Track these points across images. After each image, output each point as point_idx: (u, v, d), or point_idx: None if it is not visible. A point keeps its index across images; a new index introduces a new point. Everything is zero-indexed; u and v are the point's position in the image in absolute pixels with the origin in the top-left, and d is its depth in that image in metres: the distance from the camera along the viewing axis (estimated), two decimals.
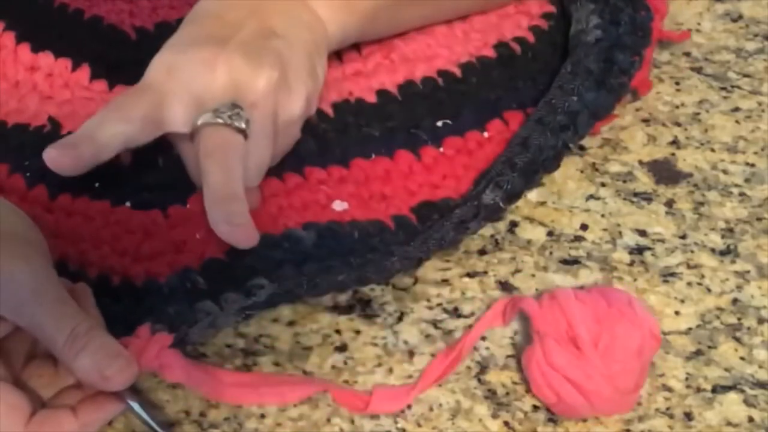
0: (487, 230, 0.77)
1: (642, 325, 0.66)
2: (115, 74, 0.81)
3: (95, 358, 0.60)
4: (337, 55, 0.83)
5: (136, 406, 0.62)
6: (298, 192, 0.75)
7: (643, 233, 0.78)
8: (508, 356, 0.70)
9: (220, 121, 0.72)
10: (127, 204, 0.74)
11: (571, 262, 0.76)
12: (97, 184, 0.74)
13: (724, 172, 0.83)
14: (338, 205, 0.75)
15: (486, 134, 0.81)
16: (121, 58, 0.83)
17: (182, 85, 0.73)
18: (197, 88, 0.73)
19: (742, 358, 0.71)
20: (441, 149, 0.80)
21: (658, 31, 0.88)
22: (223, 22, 0.75)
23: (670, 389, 0.69)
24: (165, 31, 0.82)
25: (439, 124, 0.81)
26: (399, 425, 0.67)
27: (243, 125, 0.72)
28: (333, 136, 0.79)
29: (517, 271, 0.75)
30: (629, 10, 0.85)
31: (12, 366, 0.62)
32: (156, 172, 0.76)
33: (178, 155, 0.76)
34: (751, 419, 0.68)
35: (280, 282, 0.69)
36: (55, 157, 0.71)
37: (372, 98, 0.82)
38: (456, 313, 0.72)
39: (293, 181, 0.76)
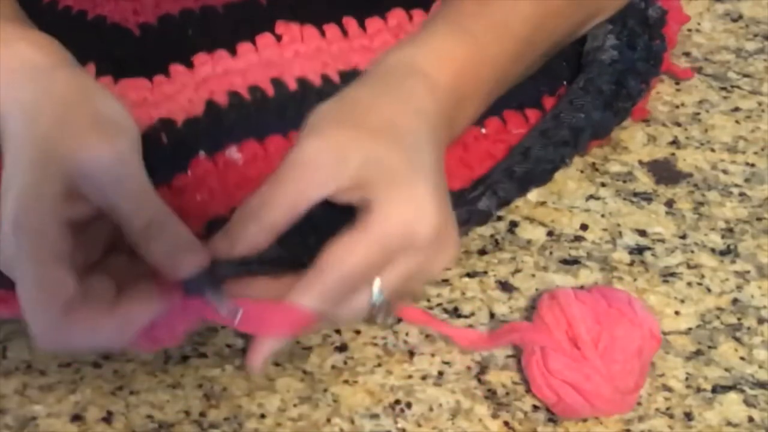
0: (487, 230, 0.77)
1: (642, 325, 0.66)
2: (120, 69, 0.81)
3: (168, 244, 0.61)
4: (342, 30, 0.83)
5: (210, 293, 0.62)
6: None
7: (643, 233, 0.78)
8: (508, 356, 0.70)
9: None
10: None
11: (571, 262, 0.76)
12: None
13: (724, 172, 0.83)
14: None
15: (484, 130, 0.81)
16: (126, 54, 0.83)
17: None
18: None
19: (742, 358, 0.71)
20: None
21: (668, 63, 0.88)
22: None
23: (670, 389, 0.69)
24: (168, 23, 0.82)
25: None
26: (399, 425, 0.67)
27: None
28: None
29: (517, 271, 0.75)
30: (645, 37, 0.86)
31: (89, 252, 0.63)
32: (161, 150, 0.76)
33: (183, 130, 0.76)
34: (751, 419, 0.68)
35: (287, 246, 0.69)
36: None
37: None
38: (456, 313, 0.72)
39: None
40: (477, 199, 0.76)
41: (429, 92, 0.67)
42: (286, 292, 0.63)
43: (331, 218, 0.71)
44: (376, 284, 0.63)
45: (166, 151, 0.77)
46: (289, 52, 0.82)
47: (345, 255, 0.62)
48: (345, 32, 0.84)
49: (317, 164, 0.63)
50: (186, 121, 0.78)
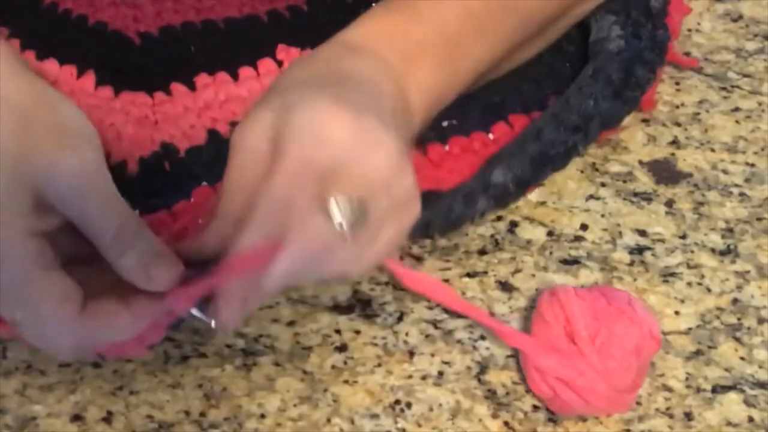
0: (487, 230, 0.77)
1: (641, 324, 0.66)
2: (121, 80, 0.81)
3: (142, 257, 0.59)
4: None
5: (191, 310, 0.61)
6: None
7: (643, 233, 0.78)
8: (508, 356, 0.70)
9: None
10: (136, 212, 0.74)
11: (571, 262, 0.76)
12: None
13: (724, 172, 0.83)
14: None
15: (491, 136, 0.81)
16: (126, 64, 0.82)
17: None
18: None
19: (742, 358, 0.71)
20: (446, 147, 0.80)
21: (672, 52, 0.88)
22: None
23: (670, 389, 0.69)
24: (169, 35, 0.82)
25: (445, 123, 0.81)
26: (399, 425, 0.67)
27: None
28: None
29: (517, 271, 0.75)
30: (649, 27, 0.86)
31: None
32: (164, 176, 0.76)
33: (185, 159, 0.76)
34: (751, 419, 0.68)
35: None
36: None
37: None
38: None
39: None
40: (491, 170, 0.76)
41: (353, 54, 0.67)
42: None
43: None
44: (331, 202, 0.60)
45: (169, 178, 0.76)
46: None
47: (266, 182, 0.60)
48: None
49: (241, 148, 0.62)
50: (189, 150, 0.78)
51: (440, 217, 0.75)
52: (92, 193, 0.60)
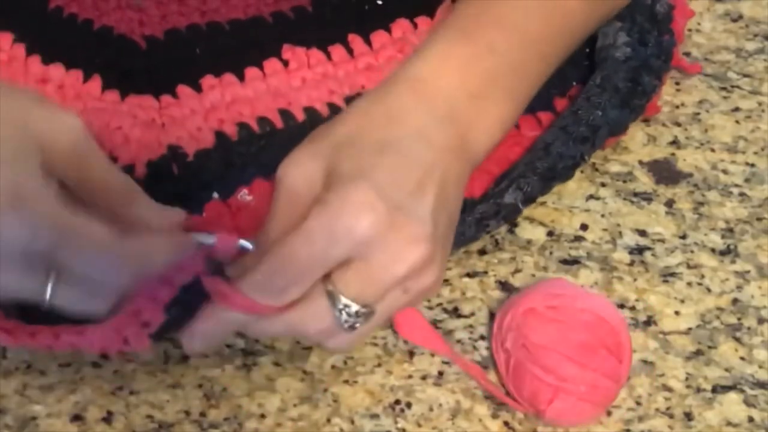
0: None
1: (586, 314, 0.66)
2: (127, 84, 0.81)
3: (150, 201, 0.65)
4: (347, 49, 0.83)
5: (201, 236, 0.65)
6: None
7: (643, 233, 0.78)
8: None
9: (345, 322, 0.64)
10: None
11: (571, 262, 0.76)
12: None
13: (724, 172, 0.83)
14: None
15: None
16: (132, 67, 0.82)
17: None
18: None
19: (742, 358, 0.71)
20: None
21: (677, 57, 0.88)
22: None
23: (670, 389, 0.69)
24: (175, 38, 0.82)
25: None
26: (399, 425, 0.67)
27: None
28: None
29: (517, 271, 0.75)
30: (655, 33, 0.86)
31: None
32: (172, 182, 0.76)
33: (194, 163, 0.76)
34: (751, 419, 0.68)
35: None
36: None
37: None
38: (456, 313, 0.73)
39: None
40: (503, 192, 0.76)
41: (415, 95, 0.67)
42: None
43: None
44: (338, 296, 0.62)
45: (178, 185, 0.76)
46: (296, 80, 0.81)
47: (284, 241, 0.62)
48: (351, 51, 0.83)
49: (292, 190, 0.64)
50: (197, 154, 0.78)
51: (455, 241, 0.74)
52: (96, 151, 0.63)
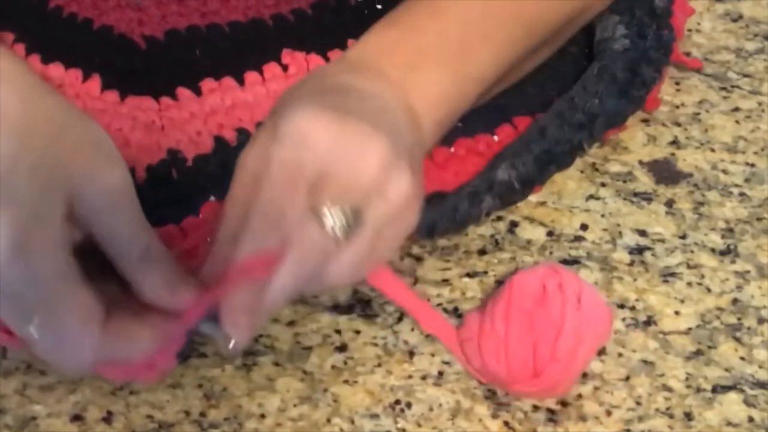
0: (487, 230, 0.77)
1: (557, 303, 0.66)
2: (126, 84, 0.81)
3: (166, 276, 0.61)
4: (340, 48, 0.83)
5: (205, 326, 0.62)
6: None
7: (643, 233, 0.78)
8: None
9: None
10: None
11: (571, 262, 0.76)
12: None
13: (724, 172, 0.83)
14: None
15: (496, 138, 0.81)
16: (132, 68, 0.82)
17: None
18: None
19: (742, 358, 0.71)
20: (452, 149, 0.80)
21: (677, 52, 0.88)
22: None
23: (670, 389, 0.69)
24: (174, 39, 0.82)
25: None
26: (399, 425, 0.67)
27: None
28: None
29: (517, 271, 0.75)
30: (654, 27, 0.86)
31: None
32: (171, 185, 0.76)
33: (193, 168, 0.76)
34: (751, 419, 0.68)
35: None
36: None
37: None
38: (456, 313, 0.73)
39: None
40: (495, 168, 0.76)
41: (351, 73, 0.67)
42: None
43: None
44: (323, 210, 0.61)
45: (177, 189, 0.76)
46: None
47: (256, 194, 0.61)
48: None
49: (238, 169, 0.63)
50: (196, 159, 0.78)
51: (445, 217, 0.75)
52: (124, 211, 0.60)
